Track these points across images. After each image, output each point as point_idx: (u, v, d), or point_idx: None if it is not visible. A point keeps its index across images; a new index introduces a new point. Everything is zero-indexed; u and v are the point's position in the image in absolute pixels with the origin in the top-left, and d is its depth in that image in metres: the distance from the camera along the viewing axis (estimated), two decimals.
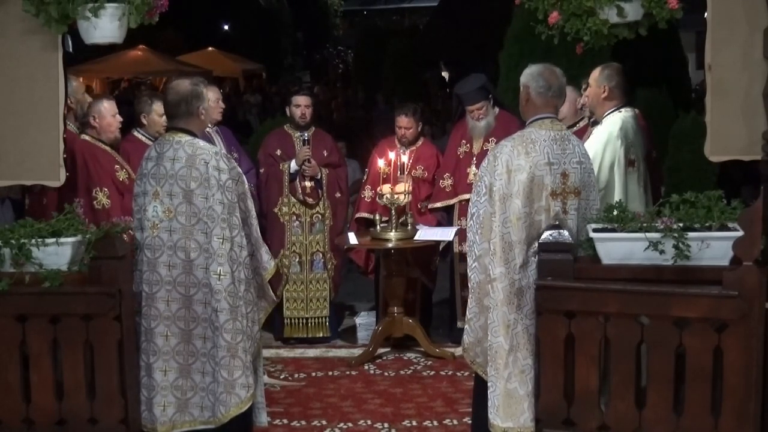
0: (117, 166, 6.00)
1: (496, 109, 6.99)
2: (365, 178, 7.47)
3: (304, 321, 7.32)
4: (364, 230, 7.20)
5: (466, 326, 4.61)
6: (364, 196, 7.35)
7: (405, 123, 7.27)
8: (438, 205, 7.16)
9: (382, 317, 7.11)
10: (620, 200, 4.80)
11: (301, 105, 7.30)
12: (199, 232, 4.48)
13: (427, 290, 7.40)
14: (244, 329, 4.49)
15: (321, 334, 7.33)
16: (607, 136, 5.47)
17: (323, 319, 7.34)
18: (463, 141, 7.07)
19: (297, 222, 7.27)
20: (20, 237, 4.48)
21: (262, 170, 7.28)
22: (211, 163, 4.47)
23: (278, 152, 7.26)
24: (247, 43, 25.37)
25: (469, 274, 4.56)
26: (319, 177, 7.25)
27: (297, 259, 7.28)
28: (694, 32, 14.32)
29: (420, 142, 7.40)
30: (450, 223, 7.10)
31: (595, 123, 5.72)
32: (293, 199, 7.23)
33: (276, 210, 7.24)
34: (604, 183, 5.34)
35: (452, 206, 7.12)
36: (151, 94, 6.81)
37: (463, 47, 19.32)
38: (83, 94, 6.04)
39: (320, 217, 7.30)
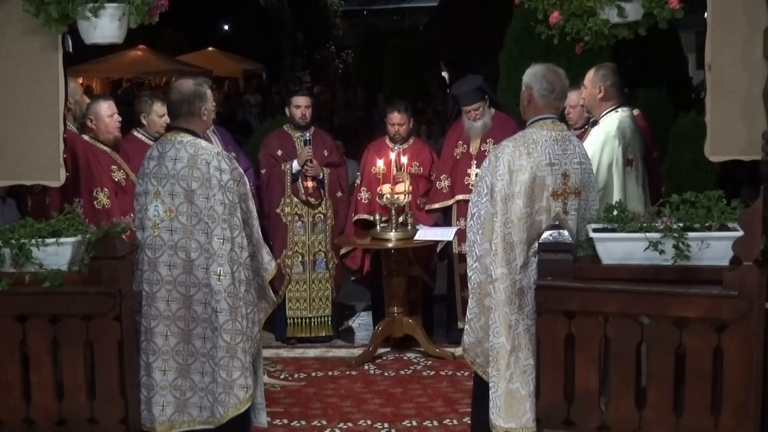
0: (114, 167, 5.99)
1: (493, 110, 6.98)
2: (359, 180, 7.44)
3: (308, 321, 7.33)
4: (362, 232, 7.20)
5: (467, 326, 4.61)
6: (361, 198, 7.34)
7: (398, 119, 7.26)
8: (435, 206, 7.14)
9: (379, 317, 7.11)
10: (620, 200, 4.79)
11: (301, 105, 7.30)
12: (200, 232, 4.48)
13: (428, 289, 7.40)
14: (243, 330, 4.49)
15: (324, 333, 7.35)
16: (605, 136, 5.46)
17: (326, 318, 7.35)
18: (460, 142, 7.06)
19: (299, 222, 7.27)
20: (20, 237, 4.48)
21: (263, 171, 7.28)
22: (212, 163, 4.47)
23: (279, 153, 7.26)
24: (247, 43, 25.31)
25: (470, 274, 4.55)
26: (320, 177, 7.26)
27: (300, 259, 7.28)
28: (694, 32, 14.36)
29: (411, 141, 7.40)
30: (447, 224, 7.09)
31: (595, 123, 5.72)
32: (295, 200, 7.23)
33: (278, 210, 7.24)
34: (603, 183, 5.34)
35: (450, 207, 7.12)
36: (151, 95, 6.81)
37: (463, 47, 19.31)
38: (81, 95, 6.03)
39: (322, 216, 7.30)
